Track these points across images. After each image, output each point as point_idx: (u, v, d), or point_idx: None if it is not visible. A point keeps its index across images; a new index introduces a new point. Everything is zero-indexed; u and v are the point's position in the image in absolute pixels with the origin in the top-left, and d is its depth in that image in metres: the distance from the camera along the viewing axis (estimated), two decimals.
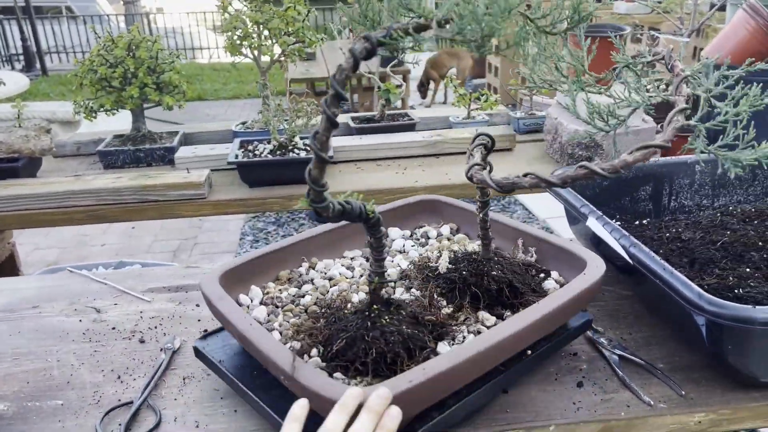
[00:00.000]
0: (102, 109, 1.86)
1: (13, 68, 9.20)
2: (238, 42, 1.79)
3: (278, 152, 1.74)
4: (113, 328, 1.11)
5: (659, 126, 1.75)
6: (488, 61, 6.52)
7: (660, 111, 1.96)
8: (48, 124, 1.82)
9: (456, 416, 0.81)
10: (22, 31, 8.64)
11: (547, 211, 4.14)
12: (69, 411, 0.91)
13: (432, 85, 6.35)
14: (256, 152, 1.75)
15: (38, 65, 8.93)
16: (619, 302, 1.14)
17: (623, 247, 0.98)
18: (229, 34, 1.79)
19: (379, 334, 0.80)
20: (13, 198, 1.62)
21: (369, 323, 0.82)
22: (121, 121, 2.07)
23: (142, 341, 1.07)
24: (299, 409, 0.70)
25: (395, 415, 0.68)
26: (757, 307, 0.79)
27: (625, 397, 0.91)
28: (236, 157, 1.72)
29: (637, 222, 1.29)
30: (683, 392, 0.91)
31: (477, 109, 2.10)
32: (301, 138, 1.81)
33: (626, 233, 1.00)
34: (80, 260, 3.80)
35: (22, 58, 9.11)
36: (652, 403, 0.89)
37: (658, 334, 1.05)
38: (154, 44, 1.82)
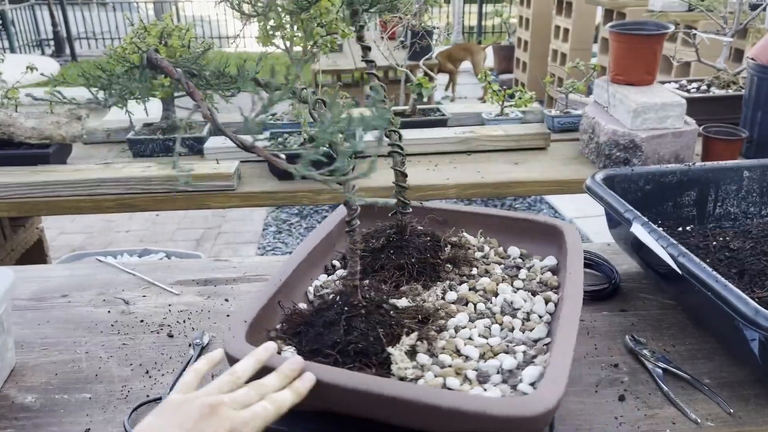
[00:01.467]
0: (132, 97, 1.84)
1: (43, 53, 9.30)
2: (271, 32, 1.76)
3: (308, 145, 1.71)
4: (141, 321, 1.10)
5: (701, 128, 1.69)
6: (516, 56, 6.44)
7: (699, 112, 1.90)
8: (79, 110, 1.81)
9: None
10: (52, 17, 8.73)
11: (574, 211, 4.07)
12: (97, 405, 0.89)
13: (447, 78, 6.31)
14: (287, 144, 1.73)
15: (68, 50, 9.02)
16: (662, 312, 1.10)
17: (672, 256, 0.94)
18: (262, 23, 1.76)
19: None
20: (44, 184, 1.61)
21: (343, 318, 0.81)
22: (152, 111, 2.06)
23: (170, 335, 1.05)
24: (204, 361, 0.73)
25: (308, 378, 0.69)
26: None
27: (670, 414, 0.87)
28: (266, 149, 1.70)
29: (680, 228, 1.25)
30: (731, 410, 0.87)
31: (510, 105, 2.05)
32: None
33: (674, 242, 0.96)
34: (105, 246, 3.83)
35: (52, 43, 9.20)
36: (699, 420, 0.85)
37: (703, 347, 1.00)
38: (186, 33, 1.80)
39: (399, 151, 0.99)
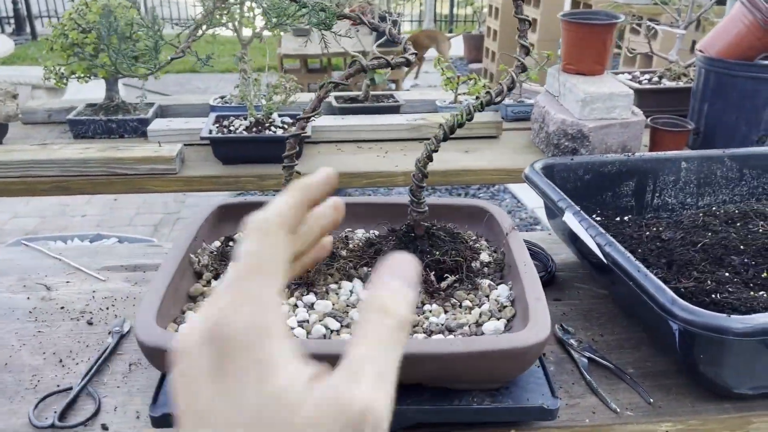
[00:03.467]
0: (73, 76, 1.78)
1: (3, 31, 9.02)
2: (218, 15, 1.72)
3: (254, 129, 1.67)
4: (62, 308, 1.06)
5: (648, 119, 1.70)
6: (485, 45, 6.43)
7: (650, 103, 1.91)
8: (15, 89, 1.74)
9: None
10: None
11: (536, 200, 4.09)
12: (3, 396, 0.86)
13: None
14: (231, 128, 1.69)
15: (28, 29, 8.76)
16: (594, 301, 1.10)
17: (598, 245, 0.93)
18: (208, 4, 1.71)
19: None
20: None
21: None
22: (95, 90, 2.00)
23: (90, 323, 1.02)
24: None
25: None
26: (732, 316, 0.74)
27: (591, 403, 0.87)
28: (210, 131, 1.66)
29: (618, 218, 1.24)
30: (651, 400, 0.87)
31: (464, 93, 2.03)
32: (279, 115, 1.75)
33: (602, 231, 0.95)
34: (59, 230, 3.73)
35: (12, 21, 8.93)
36: (618, 410, 0.85)
37: (631, 337, 1.00)
38: (130, 10, 1.74)
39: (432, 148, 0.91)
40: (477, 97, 0.92)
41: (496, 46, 6.02)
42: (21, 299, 1.08)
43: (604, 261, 0.91)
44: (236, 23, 1.78)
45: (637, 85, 1.96)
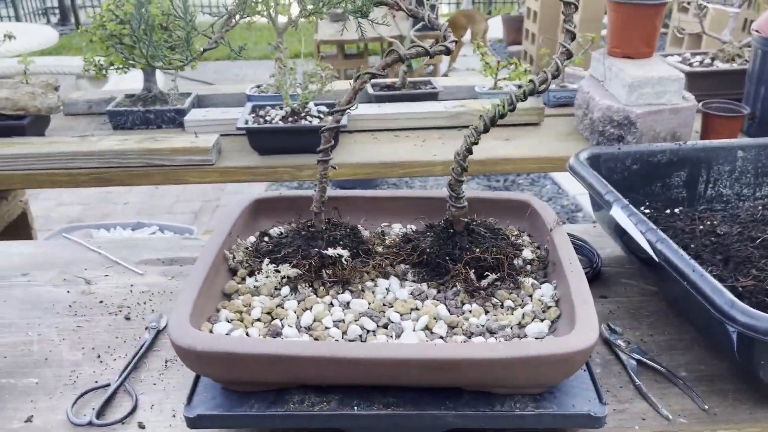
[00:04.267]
0: (112, 67, 1.79)
1: (48, 21, 9.22)
2: (252, 3, 1.69)
3: (290, 119, 1.65)
4: (101, 302, 1.06)
5: (700, 104, 1.62)
6: (525, 27, 6.28)
7: (701, 87, 1.82)
8: (57, 80, 1.76)
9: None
10: None
11: (578, 187, 3.99)
12: (43, 391, 0.86)
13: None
14: (267, 118, 1.67)
15: (73, 19, 8.93)
16: (642, 299, 1.05)
17: (649, 242, 0.88)
18: None
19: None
20: (17, 157, 1.57)
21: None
22: (134, 81, 2.01)
23: (127, 318, 1.01)
24: None
25: None
26: None
27: (640, 409, 0.83)
28: (246, 122, 1.64)
29: (668, 210, 1.18)
30: (706, 406, 0.82)
31: (505, 78, 1.97)
32: (315, 104, 1.72)
33: (653, 227, 0.90)
34: (102, 218, 3.81)
35: (57, 11, 9.11)
36: (670, 417, 0.81)
37: (683, 338, 0.95)
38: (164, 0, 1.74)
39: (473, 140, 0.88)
40: (519, 86, 0.88)
41: (537, 28, 5.87)
42: (61, 293, 1.09)
43: (656, 259, 0.86)
44: (271, 11, 1.76)
45: (687, 68, 1.87)
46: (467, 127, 1.86)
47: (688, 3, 2.10)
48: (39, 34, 4.23)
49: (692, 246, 1.01)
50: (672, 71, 1.59)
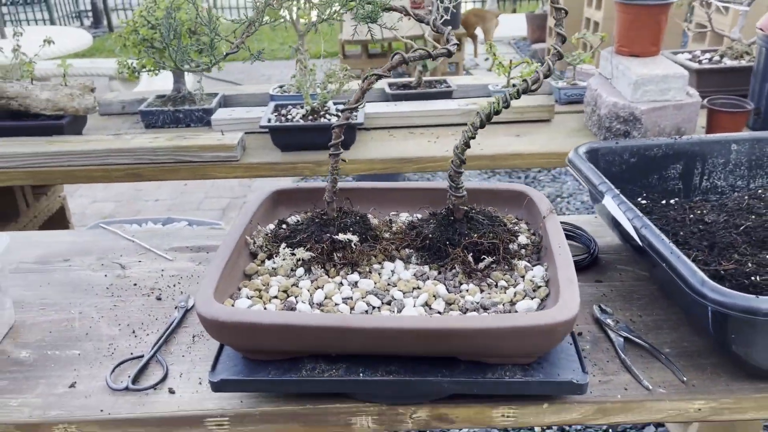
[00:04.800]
0: (144, 69, 1.90)
1: (81, 24, 9.49)
2: (273, 3, 1.79)
3: (310, 117, 1.75)
4: (135, 285, 1.17)
5: (704, 100, 1.67)
6: (549, 25, 6.30)
7: (709, 83, 1.87)
8: (93, 82, 1.88)
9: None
10: None
11: None
12: (84, 361, 0.96)
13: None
14: (289, 117, 1.77)
15: (105, 22, 9.18)
16: (634, 284, 1.12)
17: (634, 227, 0.95)
18: (260, 4, 1.79)
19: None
20: (57, 154, 1.69)
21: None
22: (164, 83, 2.12)
23: (159, 298, 1.12)
24: None
25: None
26: (760, 296, 0.76)
27: (624, 380, 0.90)
28: (269, 120, 1.74)
29: (664, 201, 1.25)
30: (685, 378, 0.89)
31: (518, 77, 2.04)
32: (334, 103, 1.81)
33: (640, 214, 0.97)
34: (134, 214, 3.96)
35: (90, 14, 9.37)
36: (650, 387, 0.88)
37: (669, 318, 1.02)
38: (192, 5, 1.84)
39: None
40: (514, 85, 0.95)
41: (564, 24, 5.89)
42: (99, 276, 1.19)
43: (640, 243, 0.93)
44: (292, 15, 1.85)
45: (696, 65, 1.91)
46: (466, 125, 1.93)
47: (707, 2, 2.13)
48: (74, 37, 4.40)
49: (681, 233, 1.08)
50: (676, 68, 1.64)
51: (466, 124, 1.97)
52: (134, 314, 1.08)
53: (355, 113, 1.01)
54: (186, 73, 2.11)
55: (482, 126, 0.95)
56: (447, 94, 2.03)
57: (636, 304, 1.06)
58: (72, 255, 1.27)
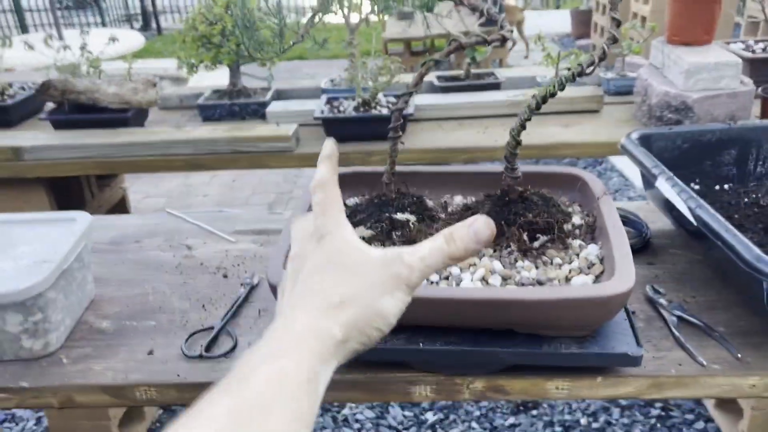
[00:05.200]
0: (202, 64, 1.98)
1: (131, 27, 9.79)
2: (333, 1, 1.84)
3: (362, 109, 1.80)
4: (201, 264, 1.23)
5: (759, 89, 1.66)
6: (594, 20, 6.24)
7: (760, 73, 1.85)
8: (154, 78, 1.97)
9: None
10: None
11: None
12: (160, 331, 1.03)
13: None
14: (341, 108, 1.82)
15: (154, 25, 9.46)
16: (688, 266, 1.13)
17: (689, 208, 0.97)
18: None
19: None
20: (124, 145, 1.78)
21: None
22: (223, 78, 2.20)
23: (225, 276, 1.18)
24: (330, 146, 0.63)
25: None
26: None
27: (678, 356, 0.92)
28: (322, 112, 1.80)
29: (717, 187, 1.25)
30: (740, 355, 0.90)
31: (566, 68, 2.05)
32: (385, 95, 1.86)
33: (694, 195, 0.98)
34: (185, 209, 4.08)
35: (140, 17, 9.67)
36: (705, 363, 0.89)
37: (724, 298, 1.03)
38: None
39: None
40: (568, 68, 0.98)
41: (605, 21, 5.83)
42: (168, 256, 1.27)
43: (695, 223, 0.95)
44: (345, 9, 1.90)
45: (749, 54, 1.90)
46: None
47: None
48: (129, 38, 4.58)
49: (736, 216, 1.09)
50: (730, 56, 1.63)
51: (515, 115, 1.99)
52: (203, 290, 1.14)
53: (414, 103, 1.05)
54: (240, 68, 2.19)
55: (538, 108, 0.98)
56: (495, 86, 2.05)
57: (689, 285, 1.08)
58: (141, 237, 1.35)
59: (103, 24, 9.43)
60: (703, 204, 0.96)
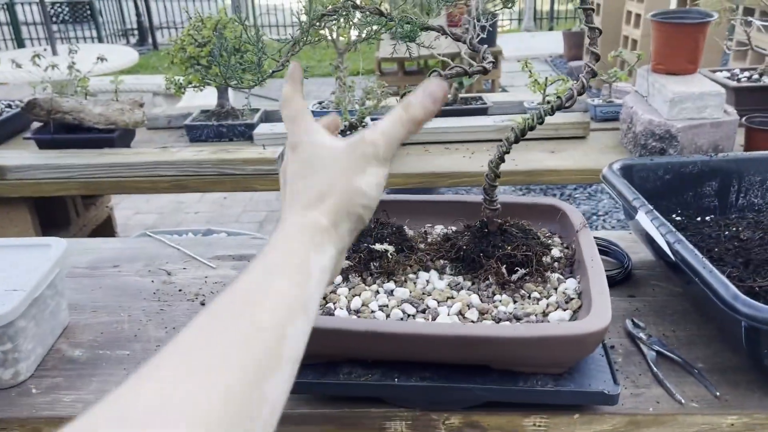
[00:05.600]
0: (190, 86, 1.98)
1: (128, 42, 9.82)
2: (317, 24, 1.85)
3: (348, 132, 1.80)
4: (180, 290, 1.22)
5: (743, 118, 1.67)
6: (586, 44, 6.29)
7: (748, 102, 1.86)
8: (142, 98, 1.97)
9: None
10: (137, 7, 9.20)
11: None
12: (133, 361, 1.01)
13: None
14: None
15: (150, 40, 9.48)
16: (668, 299, 1.12)
17: (667, 242, 0.96)
18: (305, 23, 1.85)
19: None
20: (108, 166, 1.78)
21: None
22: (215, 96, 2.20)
23: (203, 303, 1.17)
24: (292, 67, 0.67)
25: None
26: None
27: (656, 394, 0.91)
28: None
29: (699, 218, 1.25)
30: (718, 393, 0.89)
31: (553, 94, 2.06)
32: (372, 119, 1.86)
33: (673, 229, 0.98)
34: (175, 225, 4.07)
35: (136, 32, 9.70)
36: (683, 401, 0.89)
37: (703, 333, 1.02)
38: (238, 26, 1.92)
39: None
40: (548, 102, 0.98)
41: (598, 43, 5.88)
42: (146, 282, 1.25)
43: (673, 258, 0.94)
44: (333, 34, 1.91)
45: (734, 83, 1.91)
46: (500, 140, 1.96)
47: (741, 21, 2.13)
48: (122, 54, 4.57)
49: (716, 250, 1.08)
50: (713, 86, 1.64)
51: (501, 140, 1.99)
52: (180, 318, 1.13)
53: None
54: (230, 89, 2.19)
55: (516, 141, 0.98)
56: (482, 111, 2.06)
57: (669, 319, 1.07)
58: (121, 261, 1.34)
59: (99, 39, 9.45)
60: (682, 239, 0.95)
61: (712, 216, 1.26)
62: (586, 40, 5.94)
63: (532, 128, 0.97)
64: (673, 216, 1.26)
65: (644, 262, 1.25)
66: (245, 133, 2.01)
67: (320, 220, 0.53)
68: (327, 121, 0.68)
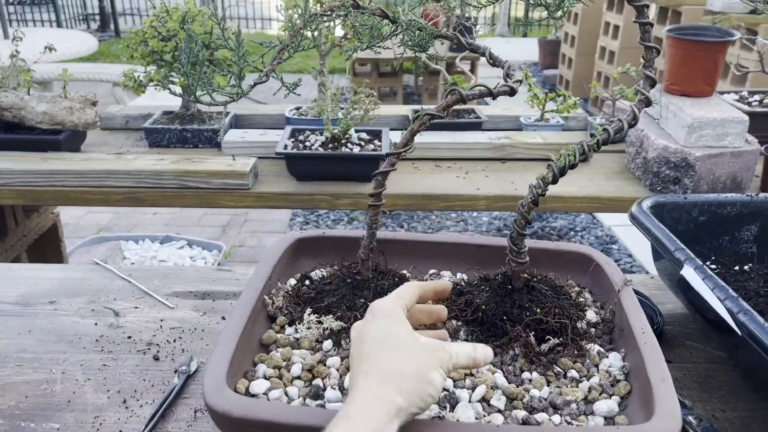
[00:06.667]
0: (151, 84, 1.76)
1: (89, 28, 9.38)
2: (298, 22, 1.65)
3: (330, 145, 1.60)
4: (129, 337, 1.01)
5: (763, 147, 1.53)
6: (562, 51, 6.20)
7: (761, 128, 1.73)
8: (95, 95, 1.73)
9: None
10: None
11: (612, 218, 3.89)
12: None
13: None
14: (307, 143, 1.62)
15: (112, 26, 9.07)
16: (712, 366, 0.96)
17: (730, 311, 0.80)
18: (289, 12, 1.65)
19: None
20: (51, 173, 1.54)
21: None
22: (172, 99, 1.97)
23: (156, 358, 0.96)
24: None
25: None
26: None
27: None
28: (285, 147, 1.59)
29: (737, 267, 1.10)
30: None
31: (552, 111, 1.90)
32: (356, 131, 1.67)
33: (734, 294, 0.82)
34: (131, 227, 3.80)
35: (98, 18, 9.27)
36: None
37: (757, 414, 0.87)
38: (208, 20, 1.70)
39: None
40: (592, 134, 0.81)
41: (574, 53, 5.80)
42: (89, 325, 1.04)
43: (738, 332, 0.78)
44: (314, 34, 1.71)
45: (747, 108, 1.77)
46: (512, 159, 1.79)
47: (752, 42, 2.00)
48: (79, 41, 4.26)
49: (759, 307, 0.93)
50: (735, 113, 1.50)
51: (497, 159, 1.82)
52: (126, 377, 0.92)
53: (400, 154, 0.86)
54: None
55: (554, 182, 0.81)
56: (476, 126, 1.89)
57: (716, 394, 0.91)
58: (59, 296, 1.12)
59: (58, 23, 8.99)
60: (748, 308, 0.79)
61: (751, 264, 1.11)
62: (565, 49, 5.84)
63: (573, 166, 0.80)
64: (708, 263, 1.10)
65: (674, 316, 1.09)
66: (212, 140, 1.79)
67: (396, 398, 0.57)
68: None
